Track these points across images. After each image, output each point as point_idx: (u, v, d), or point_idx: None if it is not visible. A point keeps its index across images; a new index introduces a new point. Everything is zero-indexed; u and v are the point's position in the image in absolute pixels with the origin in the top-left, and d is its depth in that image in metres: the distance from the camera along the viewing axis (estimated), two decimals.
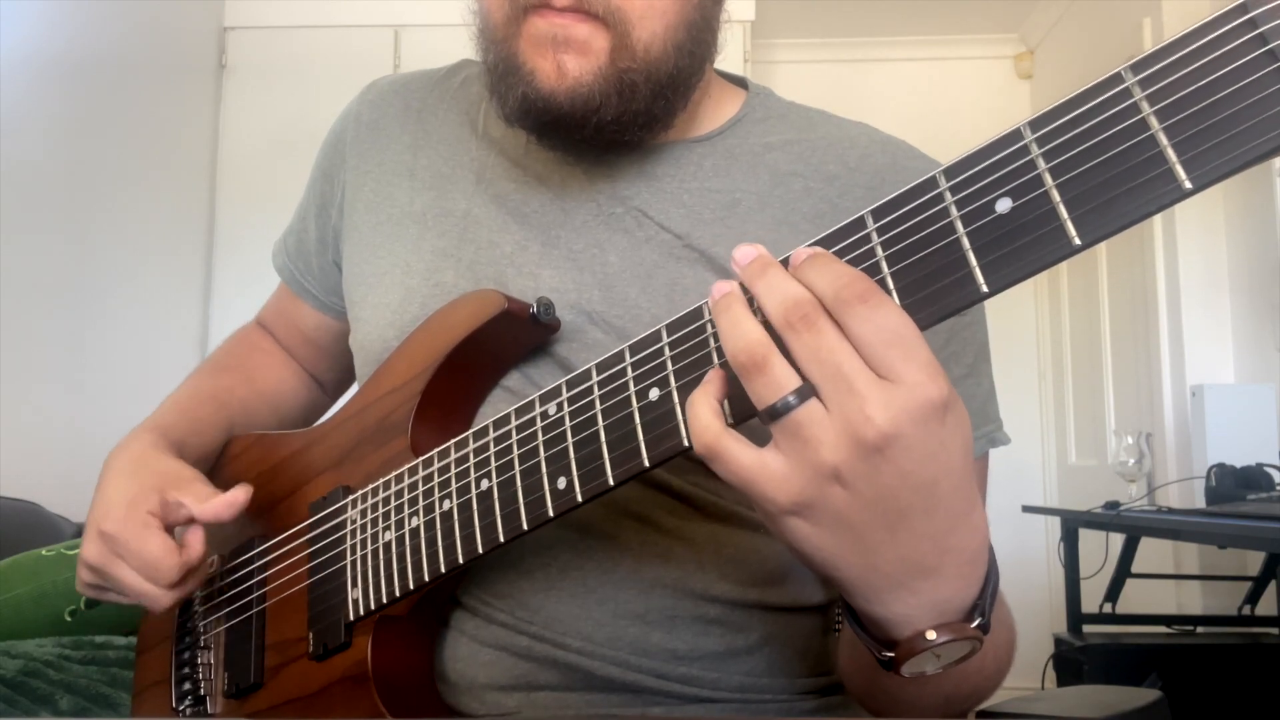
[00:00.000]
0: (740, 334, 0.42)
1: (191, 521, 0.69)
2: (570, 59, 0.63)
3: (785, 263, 0.44)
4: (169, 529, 0.69)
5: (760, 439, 0.43)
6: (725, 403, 0.45)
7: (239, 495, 0.68)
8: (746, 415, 0.44)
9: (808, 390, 0.41)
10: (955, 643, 0.45)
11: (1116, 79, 0.38)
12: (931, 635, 0.44)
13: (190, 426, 0.80)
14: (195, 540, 0.69)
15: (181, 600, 0.70)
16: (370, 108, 0.84)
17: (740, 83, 0.79)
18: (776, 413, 0.41)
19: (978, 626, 0.45)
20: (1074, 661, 2.23)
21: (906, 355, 0.40)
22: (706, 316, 0.48)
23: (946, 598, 0.44)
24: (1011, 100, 3.92)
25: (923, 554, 0.43)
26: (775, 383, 0.41)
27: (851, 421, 0.39)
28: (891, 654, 0.46)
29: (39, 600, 1.18)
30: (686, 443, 0.48)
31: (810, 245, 0.45)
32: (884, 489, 0.41)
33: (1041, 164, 0.39)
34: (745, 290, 0.44)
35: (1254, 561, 2.48)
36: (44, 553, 1.25)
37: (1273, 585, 2.40)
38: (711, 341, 0.47)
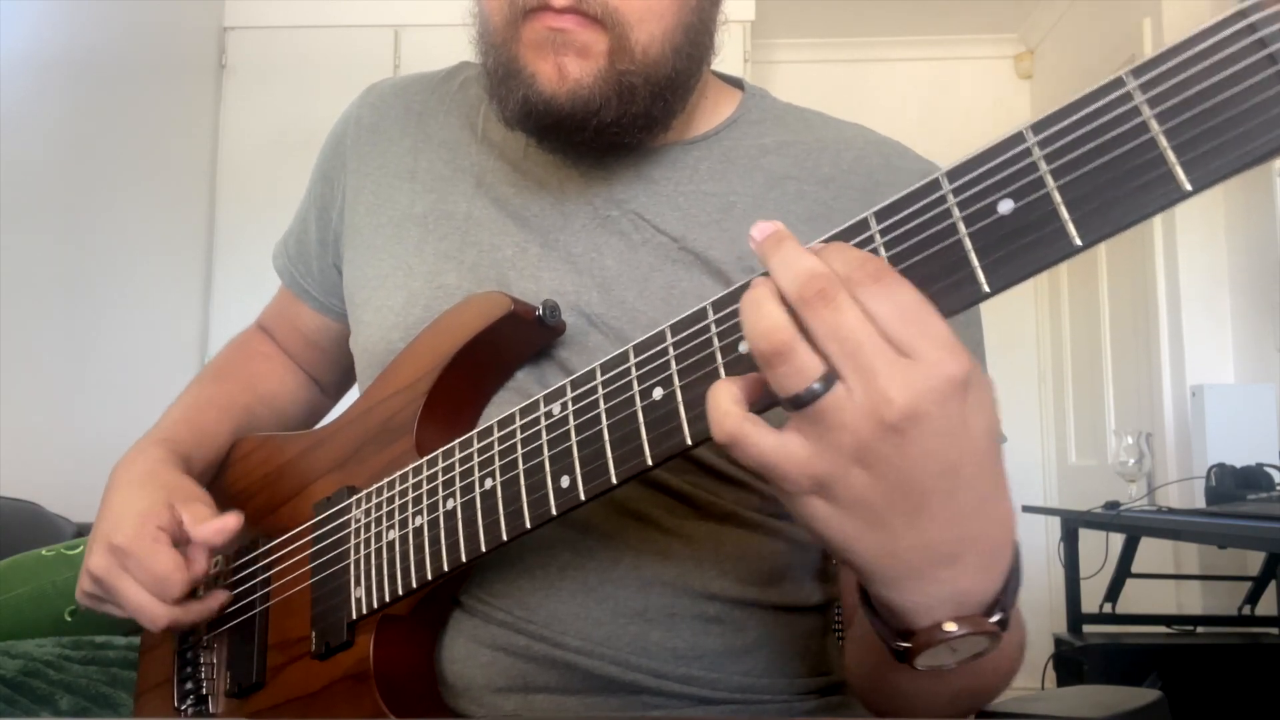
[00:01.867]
0: (762, 317, 0.41)
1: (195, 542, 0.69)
2: (570, 61, 0.63)
3: None
4: (176, 545, 0.69)
5: (774, 420, 0.43)
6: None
7: (229, 522, 0.69)
8: (767, 405, 0.44)
9: (832, 377, 0.39)
10: (973, 637, 0.44)
11: (1118, 83, 0.38)
12: (950, 627, 0.43)
13: (195, 438, 0.80)
14: (201, 556, 0.69)
15: (177, 622, 0.70)
16: (370, 110, 0.84)
17: (736, 83, 0.79)
18: (801, 401, 0.40)
19: (997, 622, 0.44)
20: (1074, 661, 2.24)
21: (924, 331, 0.39)
22: (710, 317, 0.48)
23: (966, 589, 0.43)
24: (1011, 100, 3.93)
25: (944, 540, 0.42)
26: (800, 370, 0.40)
27: (872, 402, 0.38)
28: (907, 644, 0.45)
29: (39, 600, 1.18)
30: (689, 441, 0.48)
31: (815, 244, 0.44)
32: (905, 471, 0.40)
33: (1043, 166, 0.39)
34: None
35: (1254, 561, 2.49)
36: (44, 553, 1.25)
37: (1273, 585, 2.40)
38: (715, 341, 0.48)
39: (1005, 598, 0.45)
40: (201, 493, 0.73)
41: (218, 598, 0.71)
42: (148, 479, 0.72)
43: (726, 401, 0.42)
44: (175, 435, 0.79)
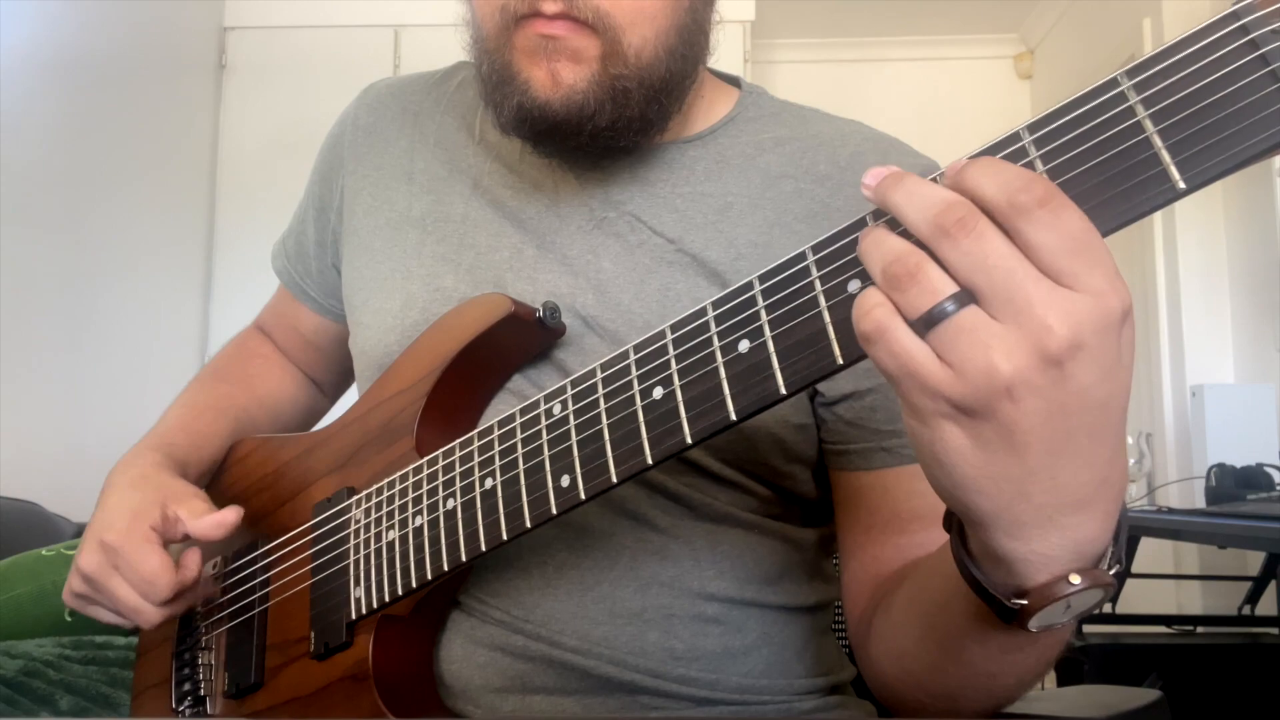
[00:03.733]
0: (888, 247, 0.39)
1: (188, 538, 0.69)
2: (563, 67, 0.63)
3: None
4: (167, 545, 0.69)
5: None
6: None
7: (229, 516, 0.69)
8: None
9: (965, 296, 0.37)
10: (1090, 590, 0.40)
11: (1112, 83, 0.38)
12: (1076, 580, 0.40)
13: (192, 441, 0.80)
14: (192, 561, 0.69)
15: (170, 618, 0.70)
16: (367, 111, 0.84)
17: (734, 82, 0.79)
18: (933, 319, 0.37)
19: (1115, 575, 0.41)
20: (1074, 661, 2.23)
21: (1093, 262, 0.36)
22: (709, 315, 0.48)
23: (1091, 538, 0.40)
24: (1011, 100, 3.93)
25: (1081, 483, 0.39)
26: (930, 288, 0.37)
27: (1030, 330, 0.36)
28: (1024, 601, 0.41)
29: (39, 600, 1.18)
30: (689, 440, 0.48)
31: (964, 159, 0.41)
32: (1058, 406, 0.37)
33: (1039, 166, 0.39)
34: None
35: (1254, 561, 2.48)
36: (44, 553, 1.25)
37: (1273, 585, 2.40)
38: (715, 341, 0.48)
39: (1119, 547, 0.42)
40: (197, 491, 0.73)
41: (191, 568, 0.69)
42: (142, 480, 0.72)
43: (877, 295, 0.39)
44: (171, 440, 0.79)
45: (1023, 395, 0.36)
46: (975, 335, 0.36)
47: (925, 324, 0.37)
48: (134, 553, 0.67)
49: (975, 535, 0.42)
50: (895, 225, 0.40)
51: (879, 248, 0.39)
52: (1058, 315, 0.36)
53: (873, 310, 0.39)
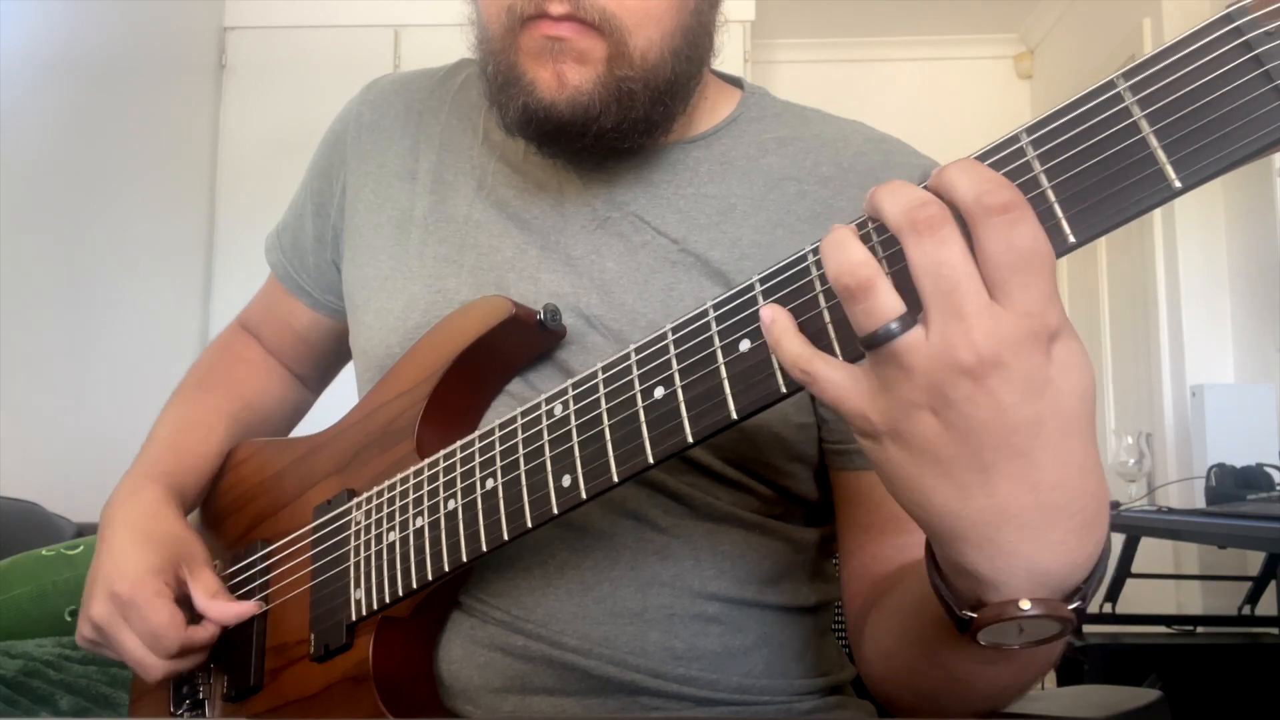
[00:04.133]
0: (845, 255, 0.40)
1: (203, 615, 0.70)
2: (569, 68, 0.63)
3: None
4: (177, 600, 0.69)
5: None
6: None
7: (246, 609, 0.70)
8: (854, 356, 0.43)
9: (910, 319, 0.38)
10: (1045, 619, 0.41)
11: (1109, 85, 0.39)
12: (1025, 605, 0.40)
13: (186, 464, 0.79)
14: (208, 628, 0.69)
15: (174, 674, 0.70)
16: (371, 108, 0.84)
17: (736, 83, 0.79)
18: (876, 340, 0.39)
19: (1074, 610, 0.41)
20: (1074, 661, 2.23)
21: (1027, 283, 0.37)
22: (711, 315, 0.49)
23: (1046, 568, 0.40)
24: (1011, 100, 3.93)
25: (1020, 505, 0.39)
26: (880, 308, 0.39)
27: (951, 344, 0.37)
28: (973, 614, 0.42)
29: (39, 600, 1.18)
30: (690, 440, 0.49)
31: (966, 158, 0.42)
32: (977, 422, 0.38)
33: (1037, 166, 0.40)
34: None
35: (1254, 561, 2.48)
36: (44, 553, 1.25)
37: (1273, 585, 2.40)
38: (716, 341, 0.48)
39: (1087, 586, 0.42)
40: (205, 554, 0.73)
41: (203, 634, 0.70)
42: (149, 525, 0.72)
43: (794, 343, 0.42)
44: (167, 468, 0.78)
45: (941, 408, 0.38)
46: (907, 358, 0.38)
47: (868, 342, 0.39)
48: (145, 605, 0.67)
49: (933, 544, 0.44)
50: (863, 227, 0.42)
51: (839, 252, 0.40)
52: (981, 331, 0.37)
53: (797, 359, 0.42)
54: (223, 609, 0.69)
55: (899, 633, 0.57)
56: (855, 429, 0.42)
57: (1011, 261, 0.37)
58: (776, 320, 0.44)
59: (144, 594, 0.67)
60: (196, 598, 0.69)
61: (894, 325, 0.38)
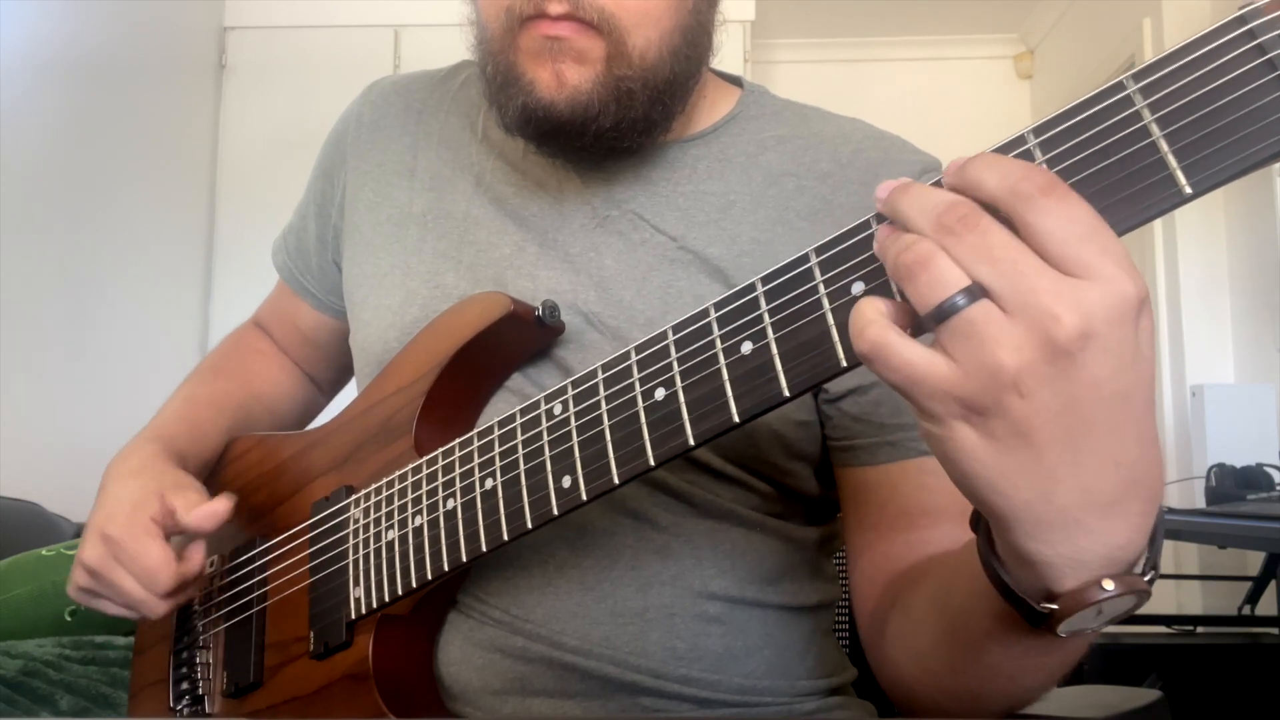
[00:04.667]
0: (898, 239, 0.38)
1: (187, 530, 0.69)
2: (568, 68, 0.63)
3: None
4: (169, 537, 0.69)
5: None
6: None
7: (220, 506, 0.69)
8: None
9: (978, 290, 0.36)
10: (1124, 596, 0.39)
11: (1118, 87, 0.38)
12: (1109, 585, 0.38)
13: (190, 435, 0.80)
14: (196, 554, 0.69)
15: (176, 608, 0.70)
16: (371, 108, 0.84)
17: (735, 81, 0.79)
18: (943, 313, 0.36)
19: (1150, 580, 0.40)
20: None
21: (1103, 249, 0.35)
22: (712, 316, 0.48)
23: (1122, 543, 0.38)
24: (1011, 100, 3.93)
25: (1107, 483, 0.37)
26: (940, 281, 0.36)
27: (1037, 321, 0.35)
28: (1054, 606, 0.40)
29: (39, 600, 1.18)
30: (691, 441, 0.48)
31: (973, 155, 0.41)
32: (1071, 400, 0.35)
33: (1045, 168, 0.39)
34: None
35: (1254, 561, 2.48)
36: (44, 553, 1.25)
37: (1273, 585, 2.40)
38: (718, 342, 0.48)
39: (1153, 553, 0.41)
40: (193, 482, 0.73)
41: (194, 560, 0.69)
42: (141, 470, 0.72)
43: (871, 310, 0.39)
44: (170, 432, 0.79)
45: (1032, 390, 0.35)
46: (984, 330, 0.35)
47: (936, 317, 0.37)
48: (135, 545, 0.67)
49: (1000, 536, 0.41)
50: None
51: (894, 236, 0.39)
52: (1066, 304, 0.34)
53: (865, 330, 0.38)
54: (200, 516, 0.68)
55: (940, 634, 0.54)
56: (925, 414, 0.38)
57: (1080, 233, 0.35)
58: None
59: (134, 533, 0.67)
60: (180, 516, 0.69)
61: (960, 298, 0.36)
